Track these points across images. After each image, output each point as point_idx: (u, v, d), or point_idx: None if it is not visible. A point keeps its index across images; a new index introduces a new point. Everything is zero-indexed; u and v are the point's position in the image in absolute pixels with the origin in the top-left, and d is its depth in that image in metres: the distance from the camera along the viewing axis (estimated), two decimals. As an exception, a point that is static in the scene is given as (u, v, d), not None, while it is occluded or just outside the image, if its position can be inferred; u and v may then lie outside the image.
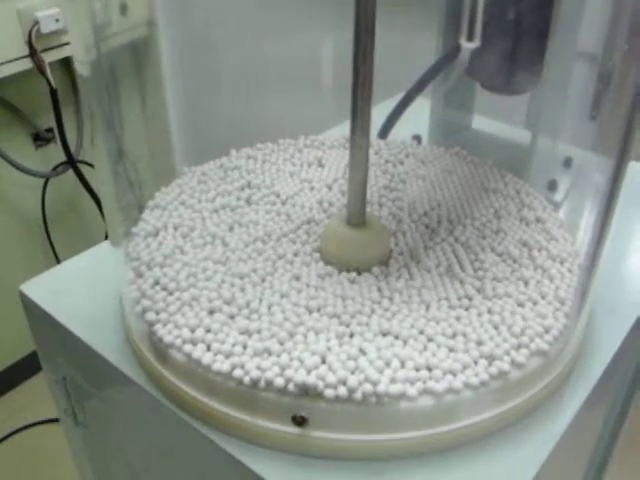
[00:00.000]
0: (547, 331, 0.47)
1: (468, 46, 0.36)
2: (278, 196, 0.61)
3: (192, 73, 0.78)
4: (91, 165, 1.56)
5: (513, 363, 0.44)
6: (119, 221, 0.57)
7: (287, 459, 0.44)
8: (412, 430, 0.43)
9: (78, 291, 0.58)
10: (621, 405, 0.84)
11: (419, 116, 0.75)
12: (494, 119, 0.79)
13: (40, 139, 1.55)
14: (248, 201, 0.61)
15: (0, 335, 1.56)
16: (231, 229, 0.57)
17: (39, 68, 1.39)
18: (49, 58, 1.40)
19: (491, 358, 0.44)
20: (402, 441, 0.43)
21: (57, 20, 1.39)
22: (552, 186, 0.66)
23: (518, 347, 0.45)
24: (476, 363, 0.44)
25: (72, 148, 1.53)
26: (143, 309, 0.48)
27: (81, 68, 0.52)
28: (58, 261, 1.60)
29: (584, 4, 0.61)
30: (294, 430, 0.43)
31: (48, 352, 0.60)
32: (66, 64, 1.51)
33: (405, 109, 0.69)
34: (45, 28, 1.37)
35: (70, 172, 1.53)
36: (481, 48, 0.61)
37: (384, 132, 0.71)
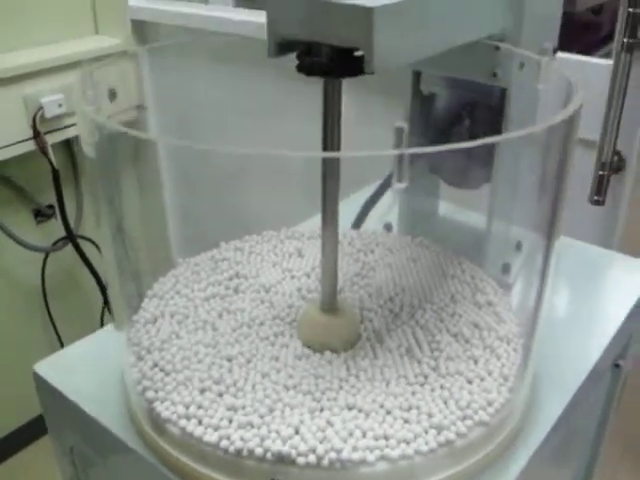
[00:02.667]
0: (490, 404, 0.56)
1: (399, 186, 0.46)
2: (262, 285, 0.71)
3: (184, 165, 0.89)
4: (90, 240, 1.67)
5: (458, 433, 0.54)
6: (123, 308, 0.66)
7: (266, 518, 0.52)
8: (372, 491, 0.52)
9: (85, 370, 0.67)
10: (586, 467, 0.93)
11: (391, 205, 0.86)
12: (461, 206, 0.90)
13: (41, 215, 1.66)
14: (236, 290, 0.71)
15: (-1, 405, 1.63)
16: (220, 316, 0.67)
17: (42, 149, 1.51)
18: (51, 140, 1.53)
19: (439, 428, 0.54)
20: (364, 501, 0.52)
21: (60, 105, 1.51)
22: (506, 269, 0.76)
23: (463, 418, 0.55)
24: (426, 433, 0.53)
25: (72, 224, 1.63)
26: (143, 388, 0.58)
27: (87, 149, 0.61)
28: (57, 332, 1.69)
29: (526, 114, 0.72)
30: (272, 492, 0.52)
31: (57, 425, 0.69)
32: (67, 145, 1.63)
33: (374, 204, 0.79)
34: (49, 112, 1.50)
35: (69, 247, 1.64)
36: (442, 155, 0.72)
37: (357, 223, 0.82)
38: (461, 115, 0.73)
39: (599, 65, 1.18)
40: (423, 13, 0.55)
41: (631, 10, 1.09)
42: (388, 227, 0.84)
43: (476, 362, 0.61)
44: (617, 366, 0.85)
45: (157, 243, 0.75)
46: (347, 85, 0.57)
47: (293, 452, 0.51)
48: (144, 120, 1.54)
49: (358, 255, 0.76)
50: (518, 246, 0.79)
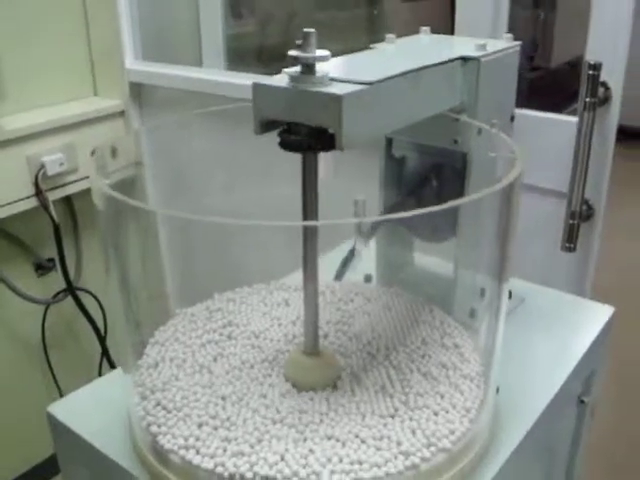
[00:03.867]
0: (452, 433, 0.65)
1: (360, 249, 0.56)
2: (253, 332, 0.81)
3: (179, 224, 0.98)
4: (89, 292, 1.76)
5: (423, 458, 0.63)
6: (129, 353, 0.76)
7: (257, 536, 0.61)
8: (348, 510, 0.61)
9: (94, 411, 0.76)
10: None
11: (370, 257, 0.96)
12: (434, 256, 1.00)
13: (42, 268, 1.76)
14: (229, 336, 0.80)
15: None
16: (215, 360, 0.76)
17: (44, 205, 1.62)
18: (52, 197, 1.63)
19: (407, 454, 0.63)
20: (342, 519, 0.61)
21: (61, 164, 1.63)
22: (472, 313, 0.86)
23: (428, 446, 0.64)
24: (396, 458, 0.63)
25: (71, 276, 1.73)
26: (148, 424, 0.67)
27: (98, 203, 0.71)
28: (56, 381, 1.78)
29: (485, 174, 0.83)
30: (261, 512, 0.61)
31: (68, 460, 0.78)
32: (67, 201, 1.74)
33: (353, 257, 0.90)
34: (50, 171, 1.61)
35: (69, 299, 1.73)
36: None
37: (339, 275, 0.92)
38: (428, 177, 0.84)
39: (566, 122, 1.30)
40: (386, 98, 0.66)
41: (591, 72, 1.21)
42: (368, 278, 0.94)
43: (442, 397, 0.70)
44: (582, 402, 0.95)
45: (157, 295, 0.85)
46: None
47: (279, 476, 0.60)
48: (142, 176, 1.65)
49: (339, 304, 0.86)
50: (482, 292, 0.89)
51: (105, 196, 0.67)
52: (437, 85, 0.74)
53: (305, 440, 0.64)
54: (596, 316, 0.93)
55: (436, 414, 0.68)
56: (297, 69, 0.63)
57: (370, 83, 0.63)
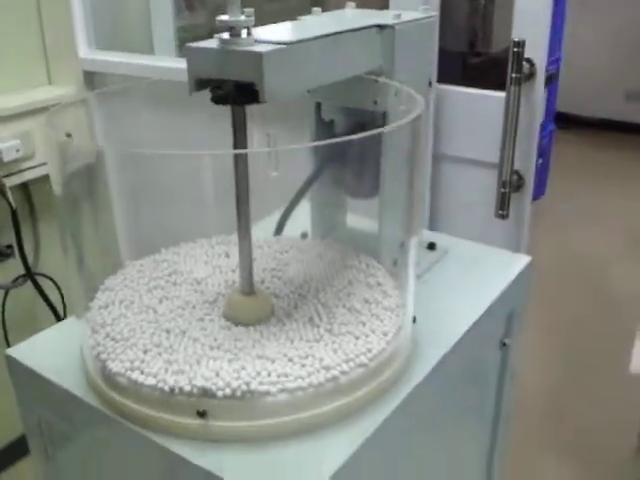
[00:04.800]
0: (369, 351, 0.75)
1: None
2: (195, 279, 0.90)
3: (131, 188, 1.07)
4: (48, 277, 1.84)
5: (342, 372, 0.73)
6: (81, 301, 0.85)
7: (196, 443, 0.70)
8: (276, 417, 0.71)
9: (50, 351, 0.85)
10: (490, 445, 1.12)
11: (306, 217, 1.06)
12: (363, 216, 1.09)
13: (0, 254, 1.82)
14: (174, 283, 0.89)
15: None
16: (160, 301, 0.85)
17: (1, 191, 1.69)
18: (9, 183, 1.70)
19: (328, 368, 0.73)
20: (272, 425, 0.71)
21: (17, 150, 1.70)
22: (395, 263, 0.96)
23: (347, 361, 0.74)
24: (318, 372, 0.72)
25: (30, 262, 1.80)
26: (98, 353, 0.76)
27: (56, 189, 0.80)
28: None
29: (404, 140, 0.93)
30: (199, 421, 0.70)
31: (27, 399, 0.87)
32: (24, 188, 1.81)
33: (289, 214, 0.99)
34: (7, 157, 1.68)
35: (29, 284, 1.80)
36: (340, 171, 0.93)
37: (278, 231, 1.02)
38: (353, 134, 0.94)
39: (496, 97, 1.41)
40: (305, 57, 0.76)
41: (516, 49, 1.33)
42: (304, 235, 1.04)
43: (364, 325, 0.80)
44: (504, 344, 1.06)
45: (110, 252, 0.94)
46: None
47: (214, 387, 0.70)
48: (101, 161, 1.73)
49: (275, 255, 0.96)
50: (402, 244, 0.99)
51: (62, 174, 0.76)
52: (355, 49, 0.85)
53: (238, 360, 0.74)
54: (513, 264, 1.03)
55: (357, 338, 0.78)
56: (226, 34, 0.73)
57: (289, 43, 0.73)
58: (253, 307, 0.82)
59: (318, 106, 0.96)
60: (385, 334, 0.79)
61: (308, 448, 0.70)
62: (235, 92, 0.73)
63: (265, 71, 0.70)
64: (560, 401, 2.31)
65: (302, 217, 1.04)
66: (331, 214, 1.04)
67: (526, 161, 1.43)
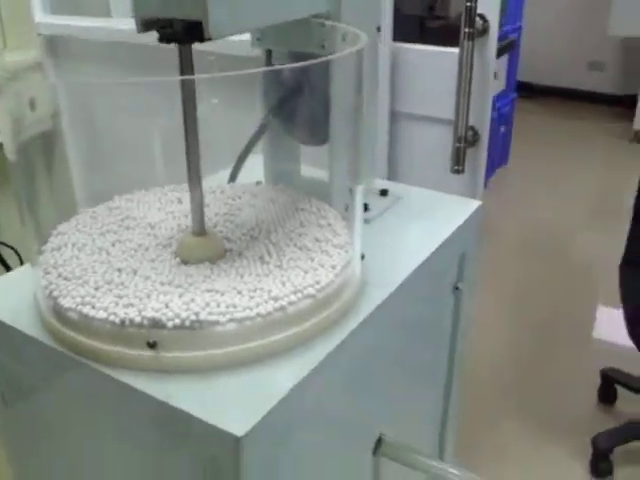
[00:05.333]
0: (317, 283, 0.77)
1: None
2: (149, 223, 0.91)
3: (88, 145, 1.08)
4: (11, 247, 1.83)
5: (290, 302, 0.75)
6: (35, 248, 0.86)
7: (147, 374, 0.72)
8: (225, 347, 0.72)
9: (4, 295, 0.86)
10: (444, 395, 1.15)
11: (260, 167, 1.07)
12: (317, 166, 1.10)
13: (-40, 224, 1.81)
14: (127, 227, 0.90)
15: None
16: (113, 244, 0.86)
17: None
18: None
19: (276, 299, 0.74)
20: (221, 355, 0.72)
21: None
22: (346, 208, 0.97)
23: (295, 292, 0.76)
24: (266, 302, 0.74)
25: (-10, 229, 1.79)
26: (50, 291, 0.77)
27: (10, 155, 0.81)
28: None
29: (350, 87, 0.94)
30: (149, 352, 0.72)
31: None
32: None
33: (243, 162, 1.01)
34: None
35: (-11, 251, 1.79)
36: (289, 117, 0.95)
37: (232, 179, 1.03)
38: (302, 83, 0.95)
39: (450, 53, 1.43)
40: (248, -7, 0.77)
41: (468, 4, 1.35)
42: (258, 184, 1.05)
43: (313, 260, 0.82)
44: (457, 289, 1.08)
45: (67, 210, 0.95)
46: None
47: (163, 318, 0.71)
48: (59, 127, 1.73)
49: (228, 200, 0.97)
50: (350, 191, 1.01)
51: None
52: (300, -11, 0.86)
53: (188, 293, 0.75)
54: (463, 208, 1.06)
55: (306, 272, 0.80)
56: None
57: (232, -19, 0.74)
58: (204, 246, 0.84)
59: (268, 53, 0.97)
60: (333, 267, 0.81)
61: (256, 377, 0.72)
62: (181, 30, 0.74)
63: (209, 8, 0.71)
64: (521, 365, 2.36)
65: (256, 168, 1.06)
66: (284, 163, 1.06)
67: (481, 117, 1.46)
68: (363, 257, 0.87)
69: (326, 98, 0.92)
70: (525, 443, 2.02)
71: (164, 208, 0.95)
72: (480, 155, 1.48)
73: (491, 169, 3.13)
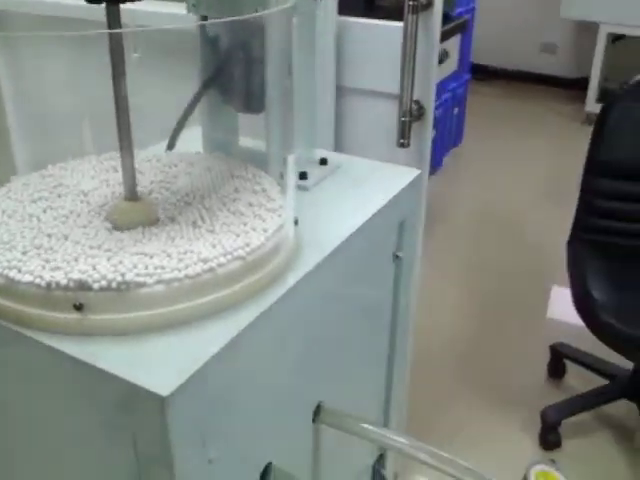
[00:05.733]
0: (247, 245, 0.77)
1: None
2: (82, 191, 0.90)
3: (27, 113, 1.06)
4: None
5: (219, 264, 0.74)
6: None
7: (73, 337, 0.71)
8: (153, 309, 0.72)
9: None
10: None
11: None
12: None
13: None
14: (59, 195, 0.89)
15: None
16: (44, 211, 0.85)
17: None
18: None
19: (205, 261, 0.74)
20: (149, 317, 0.72)
21: None
22: (281, 175, 0.97)
23: (225, 254, 0.75)
24: (195, 264, 0.74)
25: None
26: (-24, 257, 0.76)
27: None
28: None
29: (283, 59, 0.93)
30: (76, 315, 0.71)
31: None
32: None
33: (180, 130, 1.00)
34: None
35: None
36: (226, 85, 0.94)
37: (169, 147, 1.02)
38: (237, 50, 0.95)
39: (395, 27, 1.43)
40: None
41: (411, -23, 1.34)
42: (197, 154, 1.04)
43: (245, 224, 0.82)
44: (397, 257, 1.09)
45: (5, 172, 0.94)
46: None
47: (89, 279, 0.71)
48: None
49: (164, 168, 0.96)
50: (284, 160, 1.01)
51: None
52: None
53: (117, 256, 0.75)
54: (402, 176, 1.06)
55: (237, 235, 0.79)
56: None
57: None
58: (136, 212, 0.83)
59: (204, 19, 0.96)
60: (265, 230, 0.80)
61: (183, 339, 0.72)
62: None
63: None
64: (473, 341, 2.39)
65: (197, 140, 1.05)
66: (223, 133, 1.05)
67: (426, 90, 1.46)
68: (297, 222, 0.87)
69: (261, 65, 0.92)
70: (475, 417, 2.05)
71: (98, 176, 0.94)
72: (426, 129, 1.48)
73: (445, 149, 3.15)
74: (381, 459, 1.27)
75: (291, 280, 0.81)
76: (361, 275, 1.01)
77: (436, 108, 3.04)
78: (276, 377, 0.85)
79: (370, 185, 1.04)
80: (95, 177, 0.94)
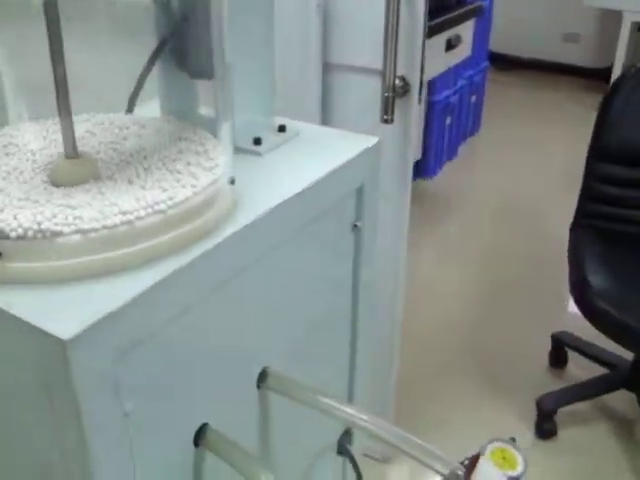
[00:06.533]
0: (171, 199, 0.77)
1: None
2: (31, 150, 0.91)
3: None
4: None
5: (137, 217, 0.75)
6: None
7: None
8: (70, 258, 0.73)
9: None
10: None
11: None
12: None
13: None
14: (7, 153, 0.91)
15: None
16: (-12, 168, 0.87)
17: None
18: None
19: (125, 213, 0.75)
20: (65, 266, 0.73)
21: None
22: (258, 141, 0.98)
23: (146, 208, 0.76)
24: (115, 215, 0.74)
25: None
26: None
27: None
28: None
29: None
30: (-5, 263, 0.72)
31: None
32: None
33: (137, 95, 1.01)
34: None
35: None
36: (181, 50, 0.95)
37: (129, 110, 1.03)
38: (189, 10, 0.95)
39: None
40: None
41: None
42: (155, 119, 1.05)
43: (178, 181, 0.82)
44: (355, 226, 1.08)
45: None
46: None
47: (7, 228, 0.72)
48: None
49: (115, 130, 0.97)
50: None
51: None
52: None
53: (41, 207, 0.76)
54: (359, 143, 1.06)
55: (165, 190, 0.80)
56: None
57: None
58: (74, 169, 0.84)
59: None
60: (193, 186, 0.81)
61: (96, 289, 0.72)
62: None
63: None
64: (479, 327, 2.37)
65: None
66: (179, 99, 1.05)
67: (411, 66, 1.45)
68: (233, 182, 0.87)
69: (208, 28, 0.92)
70: (471, 403, 2.03)
71: (49, 137, 0.95)
72: (411, 105, 1.47)
73: (462, 137, 3.12)
74: (347, 435, 1.26)
75: (219, 237, 0.81)
76: (312, 242, 1.01)
77: (451, 95, 3.02)
78: (208, 336, 0.86)
79: (325, 151, 1.04)
80: (47, 138, 0.95)
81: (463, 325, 2.37)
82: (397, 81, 1.44)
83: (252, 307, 0.92)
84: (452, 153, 2.99)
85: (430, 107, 2.87)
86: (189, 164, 0.87)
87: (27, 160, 0.89)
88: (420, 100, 1.52)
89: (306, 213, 0.95)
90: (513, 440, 1.17)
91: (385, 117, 1.43)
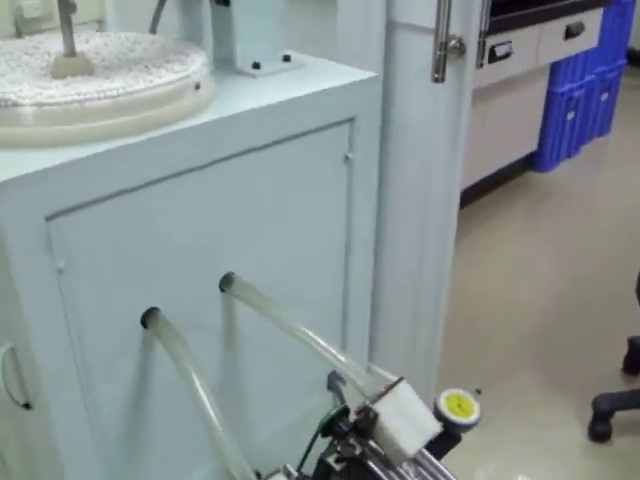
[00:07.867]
0: (123, 88, 0.87)
1: None
2: (48, 52, 1.05)
3: None
4: None
5: (89, 97, 0.85)
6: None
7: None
8: (24, 126, 0.84)
9: None
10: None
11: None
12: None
13: None
14: (27, 53, 1.04)
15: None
16: (7, 62, 1.00)
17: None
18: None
19: (80, 94, 0.85)
20: (16, 132, 0.84)
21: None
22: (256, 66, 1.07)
23: (99, 92, 0.86)
24: (71, 96, 0.85)
25: None
26: None
27: None
28: None
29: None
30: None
31: None
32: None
33: (159, 16, 1.12)
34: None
35: None
36: None
37: (152, 30, 1.15)
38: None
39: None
40: None
41: None
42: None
43: (143, 79, 0.91)
44: (347, 158, 1.13)
45: None
46: None
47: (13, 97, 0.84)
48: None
49: (127, 44, 1.08)
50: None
51: None
52: None
53: (19, 86, 0.88)
54: (357, 75, 1.10)
55: (127, 82, 0.89)
56: None
57: None
58: (69, 65, 0.96)
59: None
60: (150, 82, 0.90)
61: (39, 155, 0.83)
62: None
63: None
64: (556, 322, 2.28)
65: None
66: (196, 23, 1.14)
67: (467, 26, 1.45)
68: (198, 87, 0.95)
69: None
70: (530, 394, 1.97)
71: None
72: (467, 67, 1.47)
73: (586, 135, 2.98)
74: (337, 371, 1.30)
75: (169, 129, 0.90)
76: (298, 165, 1.06)
77: (576, 89, 2.90)
78: (159, 223, 0.94)
79: (318, 79, 1.09)
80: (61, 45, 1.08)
81: (540, 317, 2.30)
82: (453, 42, 1.45)
83: (217, 210, 1.00)
84: (573, 150, 2.87)
85: (550, 98, 2.78)
86: (165, 68, 0.96)
87: (41, 59, 1.02)
88: (481, 65, 1.52)
89: (284, 129, 1.01)
90: (478, 392, 1.16)
91: (436, 75, 1.44)
